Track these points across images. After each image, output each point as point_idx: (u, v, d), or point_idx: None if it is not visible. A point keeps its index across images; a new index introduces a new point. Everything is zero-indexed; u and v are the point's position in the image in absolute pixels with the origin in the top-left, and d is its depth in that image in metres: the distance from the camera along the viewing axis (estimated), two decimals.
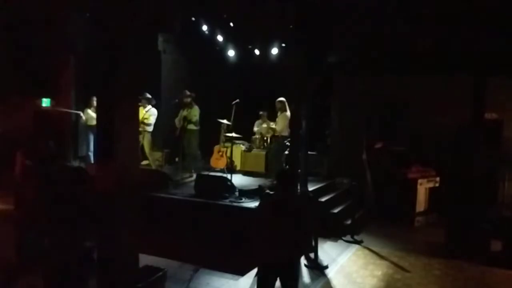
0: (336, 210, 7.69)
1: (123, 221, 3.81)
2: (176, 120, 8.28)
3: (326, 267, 5.97)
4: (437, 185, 8.78)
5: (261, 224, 3.82)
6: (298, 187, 6.94)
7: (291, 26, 7.70)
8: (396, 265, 6.17)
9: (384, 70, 9.19)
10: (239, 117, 8.19)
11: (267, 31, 8.90)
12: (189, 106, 8.19)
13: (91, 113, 8.58)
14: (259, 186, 6.77)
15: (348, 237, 7.25)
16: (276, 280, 3.75)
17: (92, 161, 8.43)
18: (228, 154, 8.39)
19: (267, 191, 6.46)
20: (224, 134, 8.64)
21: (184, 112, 8.18)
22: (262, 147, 9.23)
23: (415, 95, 9.20)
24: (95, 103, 8.23)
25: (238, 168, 8.98)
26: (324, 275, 5.72)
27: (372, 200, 8.72)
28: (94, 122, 8.40)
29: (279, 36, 9.19)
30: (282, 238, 3.63)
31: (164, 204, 6.44)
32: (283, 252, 3.65)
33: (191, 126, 8.15)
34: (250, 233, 4.00)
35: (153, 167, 8.40)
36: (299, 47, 7.07)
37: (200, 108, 8.38)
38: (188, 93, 8.24)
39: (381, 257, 6.51)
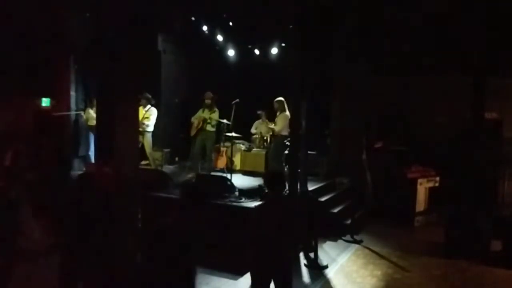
0: (336, 210, 7.69)
1: (122, 221, 3.81)
2: (193, 119, 8.25)
3: (326, 266, 5.97)
4: (437, 185, 8.78)
5: (255, 228, 3.81)
6: (298, 187, 6.94)
7: (291, 26, 7.70)
8: (396, 265, 6.17)
9: (384, 70, 9.20)
10: (239, 117, 8.19)
11: (267, 31, 8.91)
12: (210, 107, 8.17)
13: (93, 113, 8.57)
14: (259, 186, 6.76)
15: (348, 237, 7.25)
16: (270, 282, 3.73)
17: (92, 161, 8.44)
18: (228, 154, 8.39)
19: (267, 191, 6.46)
20: (224, 133, 8.64)
21: (204, 113, 8.16)
22: (262, 146, 9.23)
23: (415, 95, 9.20)
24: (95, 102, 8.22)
25: (238, 168, 8.98)
26: (324, 275, 5.72)
27: (372, 200, 8.72)
28: (94, 122, 8.40)
29: (279, 36, 9.20)
30: (273, 241, 3.60)
31: (164, 204, 6.42)
32: (274, 254, 3.62)
33: (210, 128, 8.14)
34: (245, 238, 3.98)
35: (153, 167, 8.40)
36: (299, 47, 7.07)
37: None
38: (211, 94, 8.20)
39: (381, 256, 6.51)
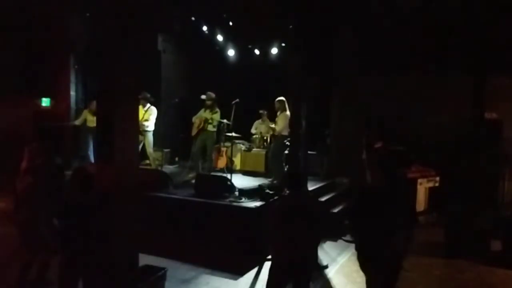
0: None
1: (122, 221, 3.81)
2: (194, 119, 8.25)
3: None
4: (437, 184, 8.77)
5: (275, 226, 3.84)
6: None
7: (291, 26, 7.70)
8: None
9: (384, 70, 9.20)
10: (239, 117, 8.19)
11: (267, 31, 8.91)
12: (211, 108, 8.15)
13: (89, 115, 8.56)
14: (259, 186, 6.77)
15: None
16: (287, 281, 3.77)
17: (92, 161, 8.45)
18: (228, 153, 8.39)
19: (267, 191, 6.46)
20: (224, 133, 8.64)
21: (205, 113, 8.15)
22: (262, 146, 9.23)
23: (415, 95, 9.20)
24: (94, 106, 8.23)
25: (238, 167, 8.98)
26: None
27: None
28: (91, 124, 8.42)
29: (279, 36, 9.20)
30: (297, 239, 3.66)
31: (164, 204, 6.44)
32: (298, 253, 3.67)
33: (211, 128, 8.12)
34: (267, 235, 4.01)
35: (153, 167, 8.40)
36: (299, 47, 7.07)
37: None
38: (211, 95, 8.19)
39: None
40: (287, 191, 4.14)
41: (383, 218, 3.67)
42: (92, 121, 8.48)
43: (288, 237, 3.68)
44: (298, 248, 3.67)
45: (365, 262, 3.84)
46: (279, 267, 3.80)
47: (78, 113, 9.01)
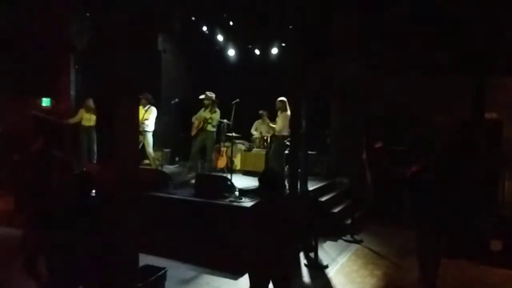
0: (336, 210, 7.69)
1: (123, 221, 3.81)
2: (194, 119, 8.24)
3: (326, 266, 5.97)
4: None
5: (250, 228, 3.76)
6: (298, 187, 6.95)
7: (291, 26, 7.71)
8: (396, 264, 6.18)
9: (385, 70, 9.20)
10: (239, 117, 8.19)
11: (267, 31, 8.92)
12: (210, 108, 8.13)
13: (85, 113, 8.53)
14: (259, 186, 6.75)
15: (348, 237, 7.25)
16: (268, 283, 3.66)
17: (90, 160, 8.44)
18: (228, 153, 8.39)
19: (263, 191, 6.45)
20: (224, 133, 8.64)
21: (205, 113, 8.14)
22: (262, 146, 9.23)
23: (415, 95, 9.20)
24: (91, 104, 8.22)
25: (238, 168, 8.98)
26: (324, 275, 5.72)
27: (372, 199, 8.72)
28: (87, 123, 8.42)
29: (279, 36, 9.20)
30: (270, 242, 3.53)
31: (164, 204, 6.44)
32: (271, 256, 3.55)
33: (210, 128, 8.11)
34: (240, 238, 3.90)
35: (153, 166, 8.40)
36: (299, 47, 7.07)
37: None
38: (210, 95, 8.16)
39: (381, 256, 6.51)
40: (263, 193, 3.84)
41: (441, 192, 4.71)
42: (87, 119, 8.46)
43: (262, 242, 3.54)
44: (273, 252, 3.52)
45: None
46: (256, 272, 3.64)
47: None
